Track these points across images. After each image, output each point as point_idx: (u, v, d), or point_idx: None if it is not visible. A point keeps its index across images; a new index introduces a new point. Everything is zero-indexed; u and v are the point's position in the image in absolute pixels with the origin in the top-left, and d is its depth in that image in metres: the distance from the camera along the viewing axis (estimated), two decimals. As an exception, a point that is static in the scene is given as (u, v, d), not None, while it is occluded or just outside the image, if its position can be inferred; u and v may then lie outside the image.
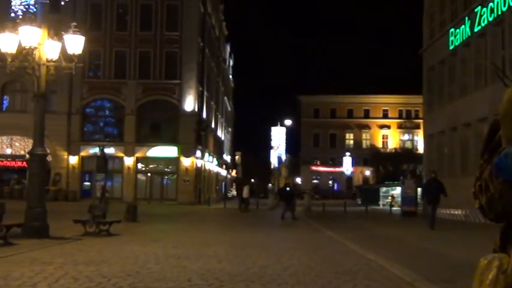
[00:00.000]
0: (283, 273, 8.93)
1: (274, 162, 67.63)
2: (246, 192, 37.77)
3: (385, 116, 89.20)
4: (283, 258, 11.10)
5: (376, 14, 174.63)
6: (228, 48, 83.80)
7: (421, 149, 57.08)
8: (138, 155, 50.05)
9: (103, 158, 36.14)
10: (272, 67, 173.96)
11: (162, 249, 12.31)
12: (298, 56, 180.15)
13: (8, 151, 50.90)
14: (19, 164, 48.75)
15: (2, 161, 50.74)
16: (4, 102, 50.87)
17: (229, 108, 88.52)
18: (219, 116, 71.35)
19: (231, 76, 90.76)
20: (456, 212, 27.50)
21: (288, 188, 32.72)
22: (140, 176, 50.59)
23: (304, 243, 15.13)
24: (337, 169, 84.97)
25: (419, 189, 36.68)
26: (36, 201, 14.33)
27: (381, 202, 50.91)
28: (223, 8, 72.55)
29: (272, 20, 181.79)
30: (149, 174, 50.86)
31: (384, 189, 53.57)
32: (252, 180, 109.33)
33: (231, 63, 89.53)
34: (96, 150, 44.13)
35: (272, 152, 69.00)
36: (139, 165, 50.58)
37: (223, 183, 78.09)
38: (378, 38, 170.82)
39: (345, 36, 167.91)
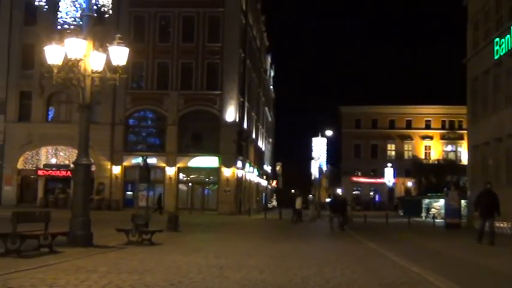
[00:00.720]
0: (325, 285, 8.81)
1: (314, 172, 67.07)
2: (298, 203, 37.63)
3: (428, 127, 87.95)
4: (325, 270, 10.96)
5: (419, 23, 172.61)
6: (269, 59, 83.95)
7: (464, 160, 56.12)
8: (179, 165, 50.38)
9: (145, 168, 36.46)
10: (313, 77, 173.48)
11: (204, 259, 12.29)
12: (339, 66, 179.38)
13: (53, 161, 51.86)
14: (64, 173, 49.62)
15: (47, 171, 51.68)
16: (50, 113, 51.88)
17: (270, 119, 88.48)
18: (260, 127, 71.41)
19: (271, 87, 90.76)
20: (502, 225, 26.83)
21: (338, 199, 32.95)
22: (181, 186, 50.91)
23: (346, 255, 14.94)
24: (379, 180, 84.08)
25: (463, 201, 36.11)
26: (81, 211, 14.48)
27: (423, 214, 50.16)
28: (264, 19, 72.73)
29: (314, 30, 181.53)
30: (190, 184, 51.16)
31: (426, 201, 52.83)
32: (293, 190, 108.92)
33: (272, 73, 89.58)
34: (139, 160, 44.57)
35: (313, 162, 68.48)
36: (181, 175, 50.91)
37: (264, 193, 78.02)
38: (421, 48, 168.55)
39: (387, 46, 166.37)
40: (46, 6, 15.80)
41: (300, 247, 17.51)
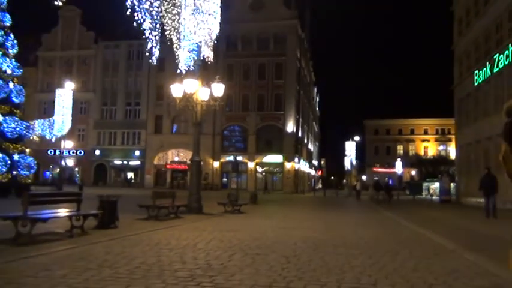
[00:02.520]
0: (359, 241, 8.58)
1: (347, 165, 66.06)
2: (358, 186, 37.64)
3: (426, 133, 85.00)
4: (358, 230, 10.69)
5: (416, 60, 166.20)
6: (315, 89, 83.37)
7: (453, 156, 53.56)
8: (257, 160, 50.63)
9: (235, 163, 36.82)
10: (345, 100, 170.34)
11: (275, 222, 12.25)
12: (362, 89, 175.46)
13: (176, 159, 53.21)
14: (183, 167, 50.84)
15: (173, 165, 53.04)
16: (174, 127, 53.29)
17: (316, 129, 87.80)
18: (309, 135, 70.85)
19: (317, 108, 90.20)
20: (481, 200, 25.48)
21: (384, 183, 35.30)
22: (258, 175, 51.12)
23: (371, 220, 14.53)
24: (392, 170, 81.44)
25: (452, 184, 34.60)
26: (195, 190, 14.73)
27: (424, 193, 48.28)
28: (312, 63, 72.33)
29: (344, 69, 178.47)
30: (264, 173, 51.30)
31: (426, 184, 50.87)
32: (332, 177, 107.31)
33: (317, 99, 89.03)
34: (231, 158, 45.09)
35: (345, 158, 67.56)
36: (258, 168, 51.11)
37: (313, 179, 77.17)
38: (420, 74, 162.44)
39: (396, 73, 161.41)
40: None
41: (339, 215, 17.19)
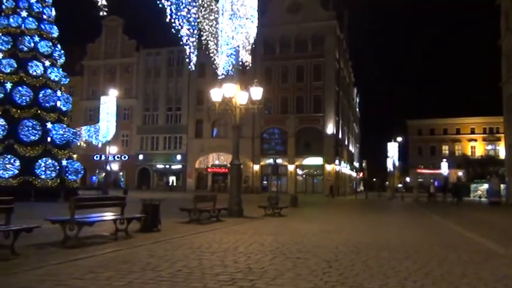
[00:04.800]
0: (403, 245, 8.33)
1: (389, 166, 64.58)
2: (432, 188, 37.95)
3: (473, 132, 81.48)
4: (403, 234, 10.39)
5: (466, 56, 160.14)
6: (355, 90, 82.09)
7: (502, 155, 51.25)
8: (297, 163, 50.34)
9: (275, 166, 36.77)
10: (386, 99, 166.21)
11: (316, 226, 12.10)
12: (405, 88, 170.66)
13: (217, 162, 53.72)
14: (223, 170, 51.21)
15: (213, 168, 53.61)
16: (214, 131, 53.87)
17: (356, 131, 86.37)
18: (350, 136, 69.74)
19: (357, 109, 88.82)
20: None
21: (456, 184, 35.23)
22: (298, 177, 50.81)
23: (417, 223, 14.10)
24: (437, 171, 78.74)
25: (502, 185, 33.09)
26: (235, 193, 14.81)
27: (471, 195, 46.39)
28: (351, 64, 71.37)
29: (387, 66, 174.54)
30: (304, 175, 50.93)
31: (473, 185, 48.88)
32: (374, 179, 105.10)
33: (357, 100, 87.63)
34: (270, 160, 45.02)
35: (388, 160, 66.11)
36: (298, 170, 50.83)
37: (354, 181, 75.90)
38: (466, 71, 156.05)
39: (440, 70, 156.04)
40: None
41: (382, 217, 16.79)
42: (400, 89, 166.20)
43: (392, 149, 66.78)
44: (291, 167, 50.19)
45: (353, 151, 75.72)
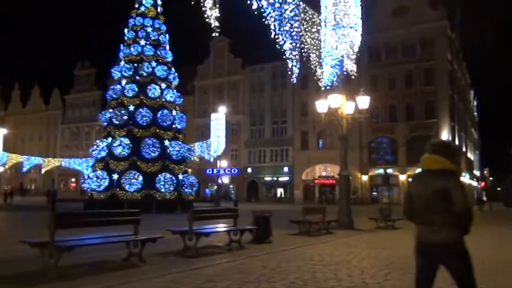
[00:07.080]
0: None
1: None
2: None
3: None
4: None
5: None
6: (472, 92, 75.82)
7: None
8: (408, 173, 47.69)
9: (385, 176, 35.38)
10: (508, 99, 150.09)
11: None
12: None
13: (323, 173, 53.27)
14: (331, 181, 50.62)
15: (320, 180, 53.24)
16: (320, 142, 53.60)
17: (475, 136, 79.57)
18: (468, 142, 64.40)
19: (475, 113, 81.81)
20: None
21: None
22: (411, 188, 48.13)
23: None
24: None
25: None
26: (345, 205, 14.54)
27: None
28: (466, 64, 66.27)
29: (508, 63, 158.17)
30: (418, 186, 48.10)
31: None
32: (498, 189, 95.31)
33: (475, 103, 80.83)
34: (380, 171, 43.44)
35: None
36: (410, 181, 48.21)
37: (475, 191, 69.73)
38: None
39: None
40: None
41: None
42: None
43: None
44: (402, 177, 47.78)
45: (472, 158, 69.82)
